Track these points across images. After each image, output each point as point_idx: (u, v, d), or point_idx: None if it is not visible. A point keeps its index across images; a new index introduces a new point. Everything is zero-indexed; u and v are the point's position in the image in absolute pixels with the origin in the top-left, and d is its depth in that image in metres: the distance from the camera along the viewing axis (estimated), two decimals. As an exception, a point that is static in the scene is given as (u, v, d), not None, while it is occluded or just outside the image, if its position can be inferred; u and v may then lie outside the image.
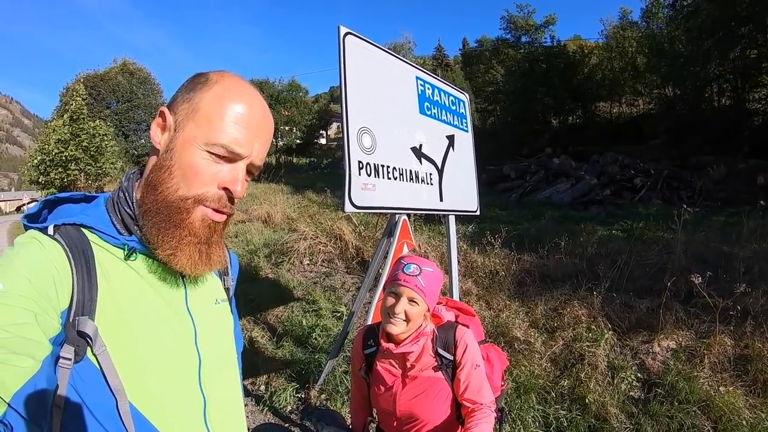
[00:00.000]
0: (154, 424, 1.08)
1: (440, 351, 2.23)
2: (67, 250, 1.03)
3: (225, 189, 1.13)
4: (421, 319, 2.20)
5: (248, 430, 1.48)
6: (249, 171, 1.20)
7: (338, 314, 6.37)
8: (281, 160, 26.27)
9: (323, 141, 44.10)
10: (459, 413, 2.29)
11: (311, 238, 8.54)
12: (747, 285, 5.15)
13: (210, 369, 1.24)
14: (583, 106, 29.65)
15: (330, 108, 40.60)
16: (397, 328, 2.13)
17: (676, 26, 23.75)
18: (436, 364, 2.22)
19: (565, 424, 4.24)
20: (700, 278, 5.13)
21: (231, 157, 1.12)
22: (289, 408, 4.78)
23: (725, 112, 20.41)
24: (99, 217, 1.12)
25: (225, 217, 1.19)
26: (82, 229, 1.09)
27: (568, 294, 6.11)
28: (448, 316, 2.40)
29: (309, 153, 37.09)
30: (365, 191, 3.49)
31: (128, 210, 1.14)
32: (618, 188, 13.93)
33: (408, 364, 2.24)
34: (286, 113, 35.83)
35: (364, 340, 2.45)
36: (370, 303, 6.19)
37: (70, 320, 0.99)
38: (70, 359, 0.98)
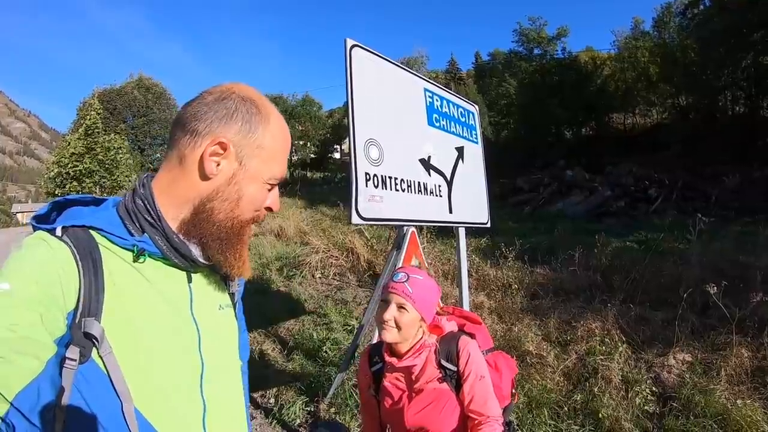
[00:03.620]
0: (156, 428, 1.09)
1: (443, 362, 2.21)
2: (75, 251, 1.04)
3: (268, 207, 1.30)
4: (414, 328, 2.19)
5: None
6: None
7: (349, 328, 6.35)
8: (296, 175, 26.37)
9: (337, 155, 44.23)
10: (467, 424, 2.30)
11: (323, 251, 8.56)
12: (764, 294, 5.06)
13: (212, 375, 1.25)
14: (596, 117, 29.56)
15: (344, 122, 40.78)
16: (388, 335, 2.14)
17: (687, 35, 23.70)
18: (441, 375, 2.20)
19: (580, 440, 4.17)
20: (715, 288, 5.04)
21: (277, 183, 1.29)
22: (298, 421, 4.73)
23: (739, 120, 20.24)
24: (109, 219, 1.13)
25: None
26: (90, 231, 1.10)
27: (582, 307, 6.05)
28: (450, 326, 2.37)
29: (323, 167, 37.23)
30: (372, 203, 3.47)
31: (149, 218, 1.15)
32: (632, 200, 13.82)
33: (413, 377, 2.23)
34: (300, 128, 36.03)
35: (370, 357, 2.46)
36: None
37: (76, 321, 1.00)
38: (75, 360, 0.99)
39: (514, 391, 2.56)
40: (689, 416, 4.26)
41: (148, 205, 1.16)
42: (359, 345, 4.48)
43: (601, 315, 5.69)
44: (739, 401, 4.37)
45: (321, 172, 34.60)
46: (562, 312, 5.98)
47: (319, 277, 8.09)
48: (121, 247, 1.11)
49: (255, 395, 5.17)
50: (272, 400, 5.09)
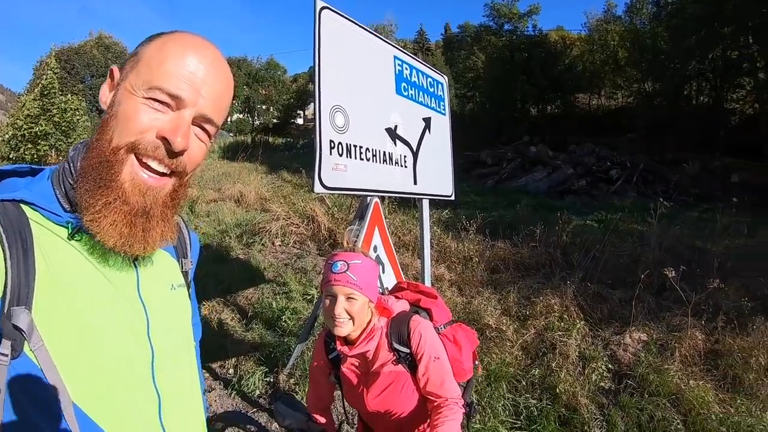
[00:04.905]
0: (101, 426, 0.95)
1: (395, 345, 2.15)
2: (0, 231, 0.89)
3: (163, 139, 0.98)
4: (366, 314, 2.11)
5: (207, 422, 1.35)
6: (202, 127, 1.06)
7: (309, 297, 6.24)
8: (257, 140, 25.88)
9: (300, 121, 43.52)
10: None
11: (284, 218, 8.38)
12: (720, 281, 5.13)
13: (164, 363, 1.11)
14: (562, 96, 29.67)
15: (309, 88, 40.11)
16: (343, 329, 2.06)
17: (659, 23, 23.91)
18: (395, 358, 2.15)
19: (536, 414, 4.17)
20: (673, 272, 5.09)
21: (172, 104, 0.98)
22: (257, 392, 4.65)
23: (703, 110, 20.58)
24: (42, 193, 0.98)
25: (163, 182, 1.04)
26: (22, 206, 0.94)
27: (541, 282, 6.07)
28: (400, 306, 2.30)
29: (286, 133, 36.60)
30: (336, 171, 3.34)
31: (70, 180, 1.00)
32: (594, 179, 13.98)
33: (368, 362, 2.19)
34: (264, 92, 35.29)
35: (326, 345, 2.36)
36: None
37: (5, 311, 0.87)
38: (6, 355, 0.86)
39: (477, 362, 2.50)
40: (644, 394, 4.32)
41: (71, 167, 1.01)
42: (318, 316, 4.39)
43: (560, 291, 5.71)
44: (691, 382, 4.45)
45: (283, 137, 34.00)
46: (522, 287, 5.98)
47: (279, 245, 7.93)
48: (55, 223, 0.97)
49: (214, 366, 5.06)
50: (231, 371, 4.98)
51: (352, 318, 2.04)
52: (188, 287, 1.32)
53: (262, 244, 7.85)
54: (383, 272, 4.01)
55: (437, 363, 2.12)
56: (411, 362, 2.15)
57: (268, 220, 8.42)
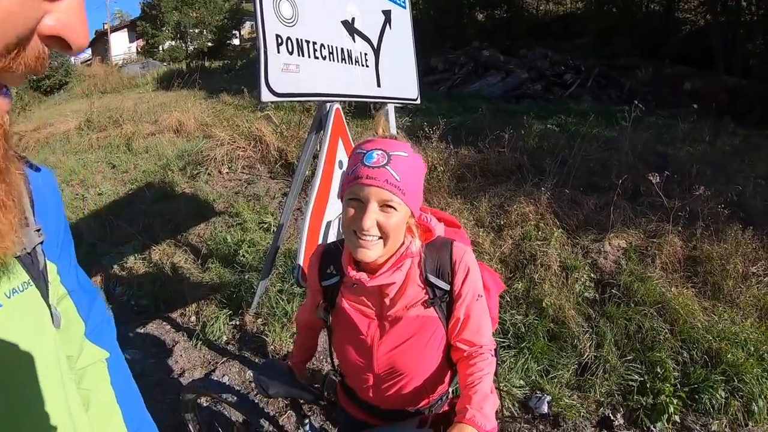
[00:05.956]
0: None
1: (431, 278, 1.60)
2: None
3: (53, 36, 0.51)
4: (402, 232, 1.53)
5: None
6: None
7: (265, 225, 5.75)
8: (192, 65, 24.20)
9: (236, 42, 41.15)
10: (449, 356, 1.72)
11: (229, 143, 7.62)
12: (705, 188, 4.96)
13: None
14: (509, 1, 28.84)
15: (242, 6, 37.70)
16: (371, 252, 1.46)
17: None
18: (427, 297, 1.61)
19: (523, 330, 3.95)
20: (657, 177, 4.86)
21: None
22: (224, 338, 4.27)
23: (654, 17, 20.29)
24: None
25: None
26: None
27: (513, 190, 5.74)
28: (440, 228, 1.71)
29: (222, 56, 34.58)
30: (287, 74, 2.75)
31: None
32: (548, 83, 13.65)
33: (387, 301, 1.61)
34: (195, 15, 33.03)
35: (321, 266, 1.76)
36: (299, 209, 5.62)
37: None
38: None
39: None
40: (629, 303, 4.17)
41: None
42: (279, 247, 3.93)
43: (534, 198, 5.41)
44: (674, 289, 4.33)
45: (220, 60, 32.12)
46: (493, 195, 5.65)
47: (227, 173, 7.27)
48: None
49: (174, 315, 4.64)
50: (193, 319, 4.56)
51: (385, 236, 1.46)
52: (45, 279, 0.86)
53: (208, 174, 7.16)
54: None
55: (479, 303, 1.62)
56: (448, 303, 1.63)
57: (212, 146, 7.65)
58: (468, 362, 1.58)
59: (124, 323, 4.67)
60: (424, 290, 1.60)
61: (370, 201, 1.41)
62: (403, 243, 1.55)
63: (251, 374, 3.92)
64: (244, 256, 5.14)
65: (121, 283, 5.27)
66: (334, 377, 1.94)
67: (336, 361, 1.91)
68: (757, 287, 4.42)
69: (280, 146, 7.32)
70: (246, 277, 4.76)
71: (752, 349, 3.83)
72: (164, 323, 4.60)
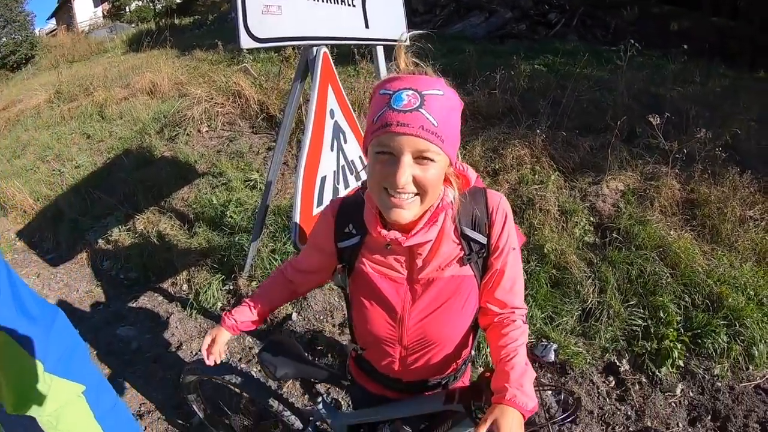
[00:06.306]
0: None
1: (467, 232, 1.40)
2: None
3: None
4: (440, 186, 1.30)
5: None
6: None
7: (251, 183, 5.48)
8: (162, 24, 23.10)
9: (207, -6, 39.40)
10: (475, 319, 1.56)
11: (206, 100, 7.18)
12: (706, 131, 4.85)
13: None
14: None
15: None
16: (408, 212, 1.24)
17: None
18: (462, 254, 1.41)
19: (526, 277, 3.85)
20: (658, 119, 4.73)
21: None
22: (219, 305, 4.11)
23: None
24: None
25: None
26: None
27: (506, 133, 5.56)
28: (474, 175, 1.47)
29: (192, 11, 33.13)
30: (268, 16, 2.45)
31: None
32: (532, 23, 13.31)
33: (419, 261, 1.41)
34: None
35: (338, 224, 1.51)
36: (286, 164, 5.38)
37: None
38: None
39: None
40: (630, 248, 4.09)
41: None
42: (269, 206, 3.72)
43: (529, 141, 5.24)
44: (673, 232, 4.26)
45: (190, 16, 30.81)
46: (486, 139, 5.47)
47: (207, 131, 6.88)
48: None
49: (165, 286, 4.47)
50: (185, 288, 4.38)
51: (423, 192, 1.23)
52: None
53: (187, 135, 6.76)
54: (345, 142, 3.13)
55: (515, 257, 1.46)
56: (485, 259, 1.44)
57: (189, 105, 7.21)
58: (500, 331, 1.43)
59: (114, 299, 4.53)
60: (459, 246, 1.41)
61: (404, 153, 1.17)
62: (439, 195, 1.34)
63: (249, 340, 3.80)
64: (231, 217, 4.91)
65: (108, 257, 5.07)
66: (356, 350, 1.73)
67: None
68: (755, 231, 4.37)
69: (260, 99, 6.95)
70: (236, 239, 4.54)
71: (752, 293, 3.81)
72: (156, 295, 4.44)
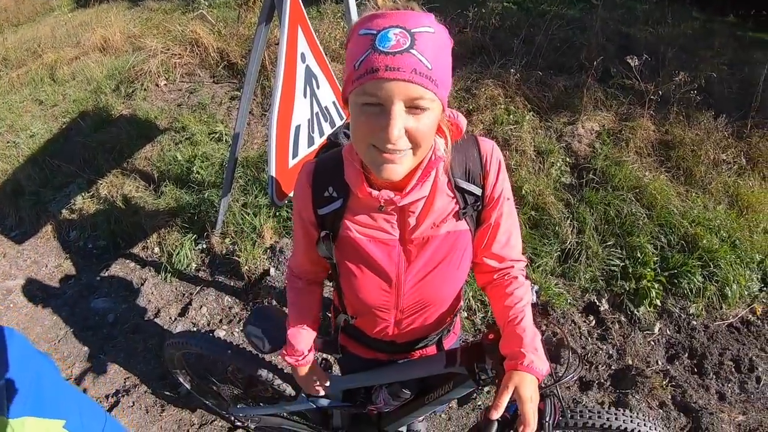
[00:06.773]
0: None
1: (461, 184, 1.25)
2: None
3: None
4: (433, 136, 1.12)
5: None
6: None
7: (216, 135, 5.18)
8: None
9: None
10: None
11: (162, 52, 6.68)
12: (686, 74, 4.77)
13: None
14: None
15: None
16: (401, 167, 1.06)
17: None
18: (458, 208, 1.27)
19: (505, 219, 3.79)
20: (636, 60, 4.62)
21: None
22: (194, 266, 3.94)
23: None
24: None
25: None
26: None
27: (479, 72, 5.39)
28: (463, 121, 1.25)
29: None
30: None
31: None
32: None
33: (412, 220, 1.26)
34: None
35: (315, 189, 1.32)
36: (251, 113, 5.10)
37: None
38: None
39: None
40: (607, 188, 4.05)
41: None
42: (237, 158, 3.49)
43: (502, 80, 5.08)
44: (648, 173, 4.24)
45: None
46: (458, 78, 5.28)
47: (165, 85, 6.41)
48: None
49: (136, 251, 4.26)
50: (156, 251, 4.17)
51: (416, 145, 1.04)
52: None
53: (145, 90, 6.27)
54: (318, 88, 2.85)
55: (509, 206, 1.33)
56: (479, 211, 1.31)
57: (144, 59, 6.69)
58: (504, 290, 1.34)
59: (85, 270, 4.31)
60: (454, 199, 1.27)
61: (395, 102, 0.96)
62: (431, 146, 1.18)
63: (229, 300, 3.66)
64: (198, 172, 4.65)
65: (74, 227, 4.77)
66: (346, 320, 1.59)
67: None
68: (728, 174, 4.40)
69: (219, 47, 6.53)
70: (205, 195, 4.31)
71: (725, 235, 3.85)
72: (128, 261, 4.22)
